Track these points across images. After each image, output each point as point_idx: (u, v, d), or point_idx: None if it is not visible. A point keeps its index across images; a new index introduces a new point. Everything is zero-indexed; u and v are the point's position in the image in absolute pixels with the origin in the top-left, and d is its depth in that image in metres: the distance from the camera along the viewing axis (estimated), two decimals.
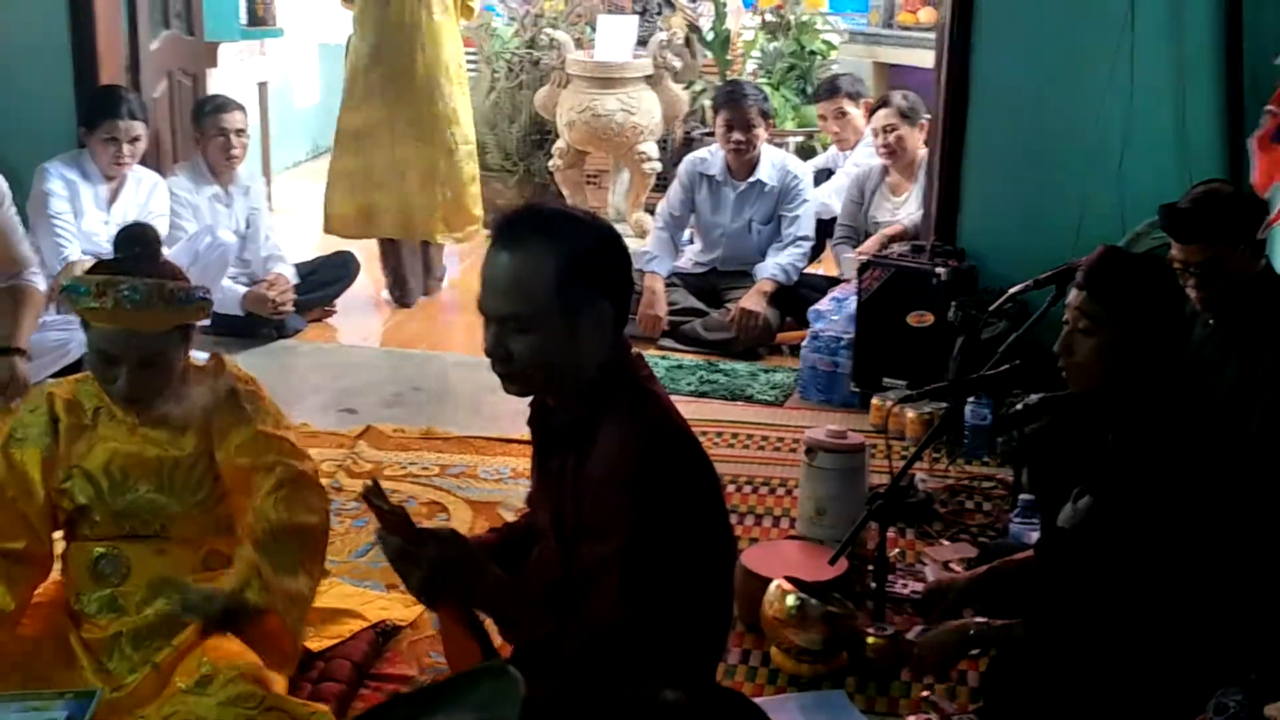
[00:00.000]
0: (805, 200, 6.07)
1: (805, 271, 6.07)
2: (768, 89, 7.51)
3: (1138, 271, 2.87)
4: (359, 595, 3.45)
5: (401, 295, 6.48)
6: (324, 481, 4.23)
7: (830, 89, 6.72)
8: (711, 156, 6.20)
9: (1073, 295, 2.90)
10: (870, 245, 5.72)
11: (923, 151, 5.88)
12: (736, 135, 5.98)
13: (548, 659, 2.23)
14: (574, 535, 2.28)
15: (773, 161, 6.11)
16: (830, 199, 6.38)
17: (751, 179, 6.05)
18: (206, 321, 5.40)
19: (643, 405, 2.29)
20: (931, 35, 5.76)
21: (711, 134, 6.31)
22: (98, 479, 2.80)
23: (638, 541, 2.16)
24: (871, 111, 6.08)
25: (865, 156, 6.34)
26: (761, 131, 6.03)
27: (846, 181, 6.30)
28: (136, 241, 2.84)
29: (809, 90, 7.83)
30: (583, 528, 2.25)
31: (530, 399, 2.47)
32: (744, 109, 5.98)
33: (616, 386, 2.29)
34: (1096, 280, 2.84)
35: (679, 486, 2.23)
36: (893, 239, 5.64)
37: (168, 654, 2.74)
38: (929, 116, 5.82)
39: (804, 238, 6.01)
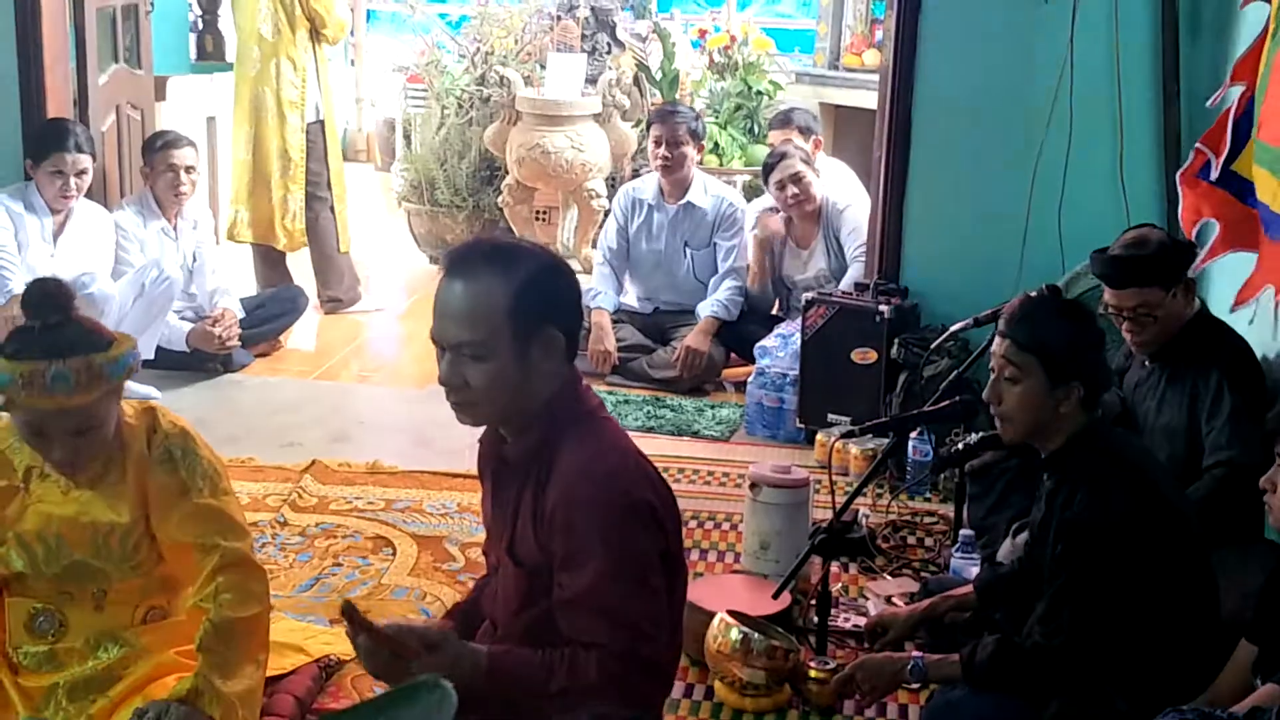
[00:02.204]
0: (741, 229, 6.11)
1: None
2: (715, 128, 7.59)
3: (1060, 317, 2.90)
4: (302, 630, 3.44)
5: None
6: (268, 516, 4.28)
7: (784, 119, 6.75)
8: (644, 183, 6.26)
9: (996, 343, 2.93)
10: None
11: (828, 197, 5.93)
12: (663, 151, 6.01)
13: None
14: (541, 564, 2.29)
15: (706, 187, 6.16)
16: None
17: (684, 200, 6.09)
18: (150, 356, 5.45)
19: (600, 433, 2.32)
20: (876, 77, 5.82)
21: None
22: (32, 546, 2.73)
23: (617, 569, 2.20)
24: (768, 169, 5.96)
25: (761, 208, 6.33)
26: (690, 150, 6.07)
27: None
28: (49, 306, 2.62)
29: (756, 130, 7.90)
30: (552, 556, 2.26)
31: (481, 436, 2.48)
32: (673, 126, 6.02)
33: (569, 415, 2.31)
34: (1019, 327, 2.88)
35: (645, 510, 2.26)
36: None
37: (103, 705, 2.72)
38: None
39: (738, 270, 6.05)
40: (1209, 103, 4.22)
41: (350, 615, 2.20)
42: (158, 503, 2.76)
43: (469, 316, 2.24)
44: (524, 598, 2.32)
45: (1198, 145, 4.01)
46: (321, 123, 6.74)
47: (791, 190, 5.86)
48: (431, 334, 2.30)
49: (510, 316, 2.22)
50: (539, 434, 2.31)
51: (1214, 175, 3.89)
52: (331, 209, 6.80)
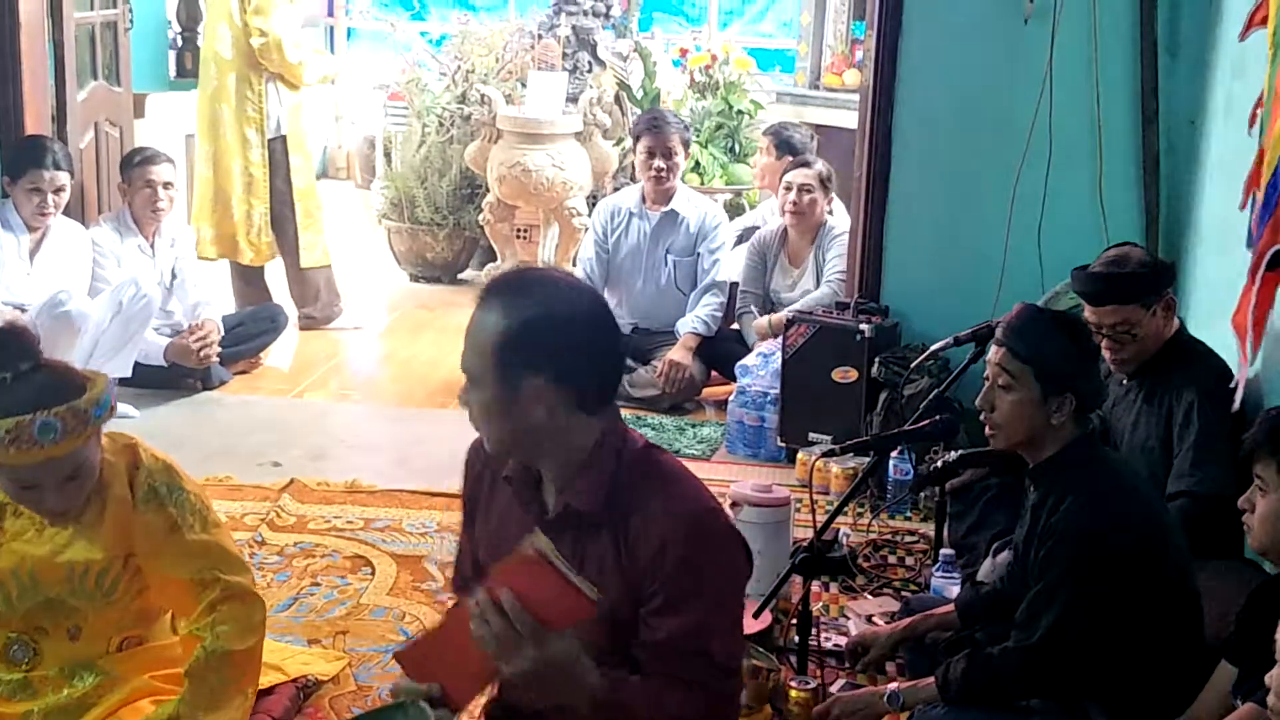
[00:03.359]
0: (723, 242, 6.11)
1: (731, 327, 6.10)
2: (696, 147, 7.59)
3: (1057, 329, 2.92)
4: (280, 650, 3.40)
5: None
6: (246, 535, 4.25)
7: (774, 132, 6.74)
8: (624, 193, 6.26)
9: (993, 352, 2.94)
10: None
11: (828, 220, 5.90)
12: (658, 162, 6.00)
13: None
14: (620, 607, 2.18)
15: (689, 197, 6.16)
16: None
17: (667, 208, 6.09)
18: (127, 374, 5.41)
19: (677, 470, 2.28)
20: (857, 97, 5.82)
21: None
22: (6, 583, 2.70)
23: (723, 608, 2.22)
24: (786, 169, 5.99)
25: (769, 214, 6.34)
26: (681, 159, 6.08)
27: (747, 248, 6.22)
28: (17, 355, 2.55)
29: (737, 149, 7.91)
30: (641, 598, 2.18)
31: (492, 474, 2.38)
32: (666, 136, 6.01)
33: (630, 457, 2.24)
34: (1016, 337, 2.89)
35: (744, 547, 2.28)
36: None
37: None
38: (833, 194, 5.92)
39: (719, 285, 6.04)
40: (1249, 132, 4.18)
41: (543, 552, 2.02)
42: (147, 541, 2.74)
43: (468, 344, 2.19)
44: (604, 641, 2.19)
45: None
46: (284, 138, 6.67)
47: (793, 197, 5.83)
48: None
49: (494, 356, 2.14)
50: (605, 482, 2.21)
51: None
52: (295, 226, 6.74)
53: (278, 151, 6.64)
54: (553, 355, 2.15)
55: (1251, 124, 3.68)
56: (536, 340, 2.14)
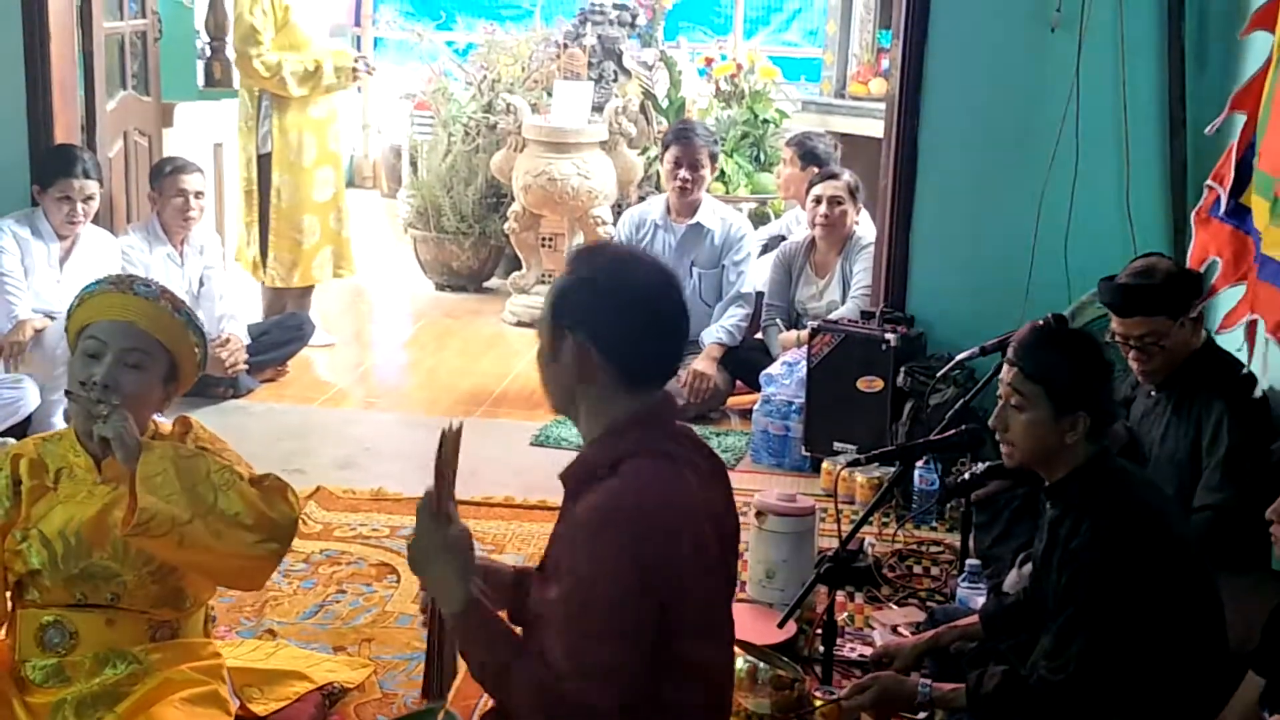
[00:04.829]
0: (748, 254, 6.12)
1: (756, 337, 6.10)
2: (721, 156, 7.59)
3: (1068, 347, 2.90)
4: (306, 658, 3.42)
5: None
6: None
7: (797, 142, 6.73)
8: (650, 204, 6.26)
9: (1004, 372, 2.93)
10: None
11: (856, 231, 5.87)
12: (683, 173, 6.02)
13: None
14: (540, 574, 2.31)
15: (714, 209, 6.17)
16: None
17: (692, 221, 6.10)
18: None
19: (640, 471, 2.22)
20: (882, 106, 5.82)
21: None
22: (53, 543, 2.76)
23: (576, 596, 2.13)
24: (814, 181, 5.95)
25: (794, 223, 6.32)
26: (708, 172, 6.10)
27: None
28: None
29: (762, 158, 7.91)
30: (544, 569, 2.26)
31: None
32: (694, 147, 6.03)
33: (623, 446, 2.25)
34: (1027, 357, 2.87)
35: (628, 552, 2.13)
36: None
37: None
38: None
39: (745, 296, 6.05)
40: (1207, 130, 4.22)
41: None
42: None
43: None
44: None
45: (1208, 182, 3.99)
46: (268, 156, 6.54)
47: (824, 210, 5.80)
48: None
49: (548, 308, 2.31)
50: (600, 458, 2.26)
51: (1223, 210, 3.88)
52: (266, 243, 6.63)
53: (264, 169, 6.60)
54: (591, 318, 2.25)
55: (1231, 109, 3.70)
56: (580, 300, 2.26)
